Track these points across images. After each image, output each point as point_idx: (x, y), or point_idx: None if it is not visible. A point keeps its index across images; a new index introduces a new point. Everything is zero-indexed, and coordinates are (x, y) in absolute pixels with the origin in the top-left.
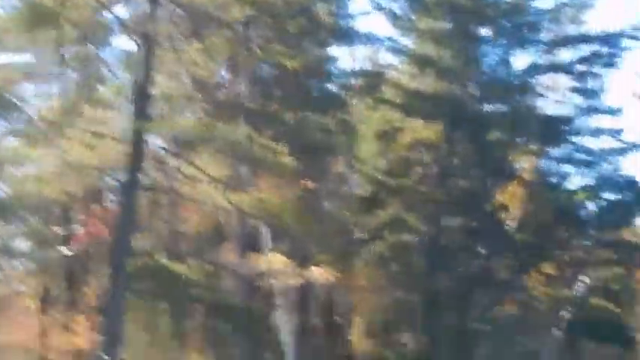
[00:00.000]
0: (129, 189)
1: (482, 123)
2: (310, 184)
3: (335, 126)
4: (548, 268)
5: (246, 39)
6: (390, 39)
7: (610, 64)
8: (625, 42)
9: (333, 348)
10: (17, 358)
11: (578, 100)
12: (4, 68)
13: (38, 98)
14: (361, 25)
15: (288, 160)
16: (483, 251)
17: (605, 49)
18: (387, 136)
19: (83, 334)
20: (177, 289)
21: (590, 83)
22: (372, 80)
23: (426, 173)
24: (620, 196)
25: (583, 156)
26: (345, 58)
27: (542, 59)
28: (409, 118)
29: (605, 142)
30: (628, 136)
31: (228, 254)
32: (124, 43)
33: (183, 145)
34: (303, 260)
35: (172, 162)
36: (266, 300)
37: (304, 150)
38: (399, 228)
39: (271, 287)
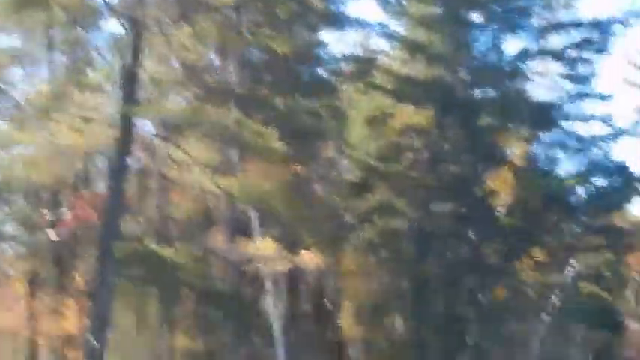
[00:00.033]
0: (118, 173)
1: (472, 108)
2: (300, 169)
3: (325, 111)
4: (538, 254)
5: (236, 23)
6: (380, 24)
7: (600, 50)
8: (615, 28)
9: (323, 333)
10: (6, 341)
11: (569, 85)
12: None
13: (26, 82)
14: (352, 10)
15: (277, 144)
16: (473, 237)
17: (595, 35)
18: (377, 121)
19: (72, 318)
20: (166, 273)
21: (581, 69)
22: (363, 65)
23: (417, 159)
24: (610, 182)
25: (573, 142)
26: (336, 43)
27: (533, 45)
28: (400, 104)
29: (595, 128)
30: (618, 122)
31: (217, 239)
32: (113, 26)
33: (173, 130)
34: (292, 245)
35: (161, 146)
36: (255, 285)
37: (294, 135)
38: (389, 213)
39: (260, 272)
